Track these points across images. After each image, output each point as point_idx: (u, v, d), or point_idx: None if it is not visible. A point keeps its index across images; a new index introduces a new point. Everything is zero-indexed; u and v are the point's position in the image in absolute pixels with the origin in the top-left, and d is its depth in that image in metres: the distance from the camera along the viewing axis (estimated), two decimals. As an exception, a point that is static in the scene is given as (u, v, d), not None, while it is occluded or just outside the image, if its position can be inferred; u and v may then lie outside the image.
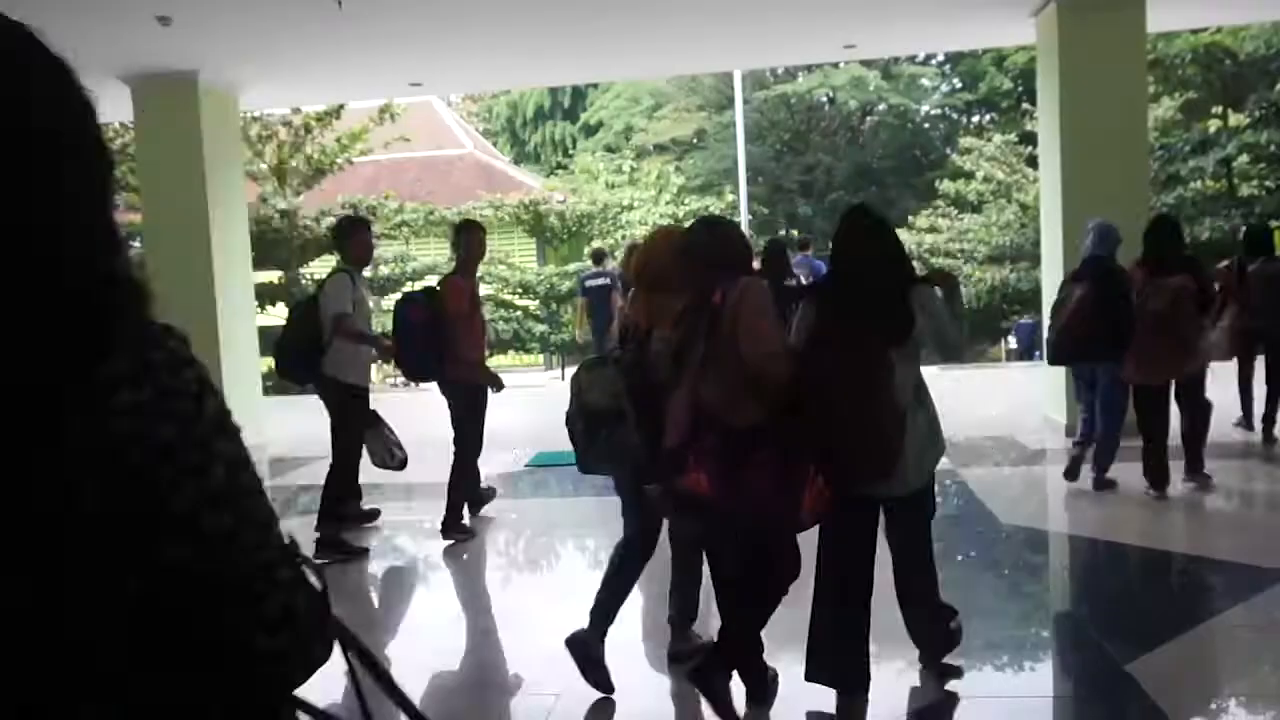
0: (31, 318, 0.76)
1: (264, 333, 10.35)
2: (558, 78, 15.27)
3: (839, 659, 3.07)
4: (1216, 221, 14.70)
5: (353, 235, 5.53)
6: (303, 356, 5.26)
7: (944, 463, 3.60)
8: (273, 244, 14.48)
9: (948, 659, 3.38)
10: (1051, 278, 7.58)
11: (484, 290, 10.00)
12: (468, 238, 5.56)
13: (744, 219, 18.48)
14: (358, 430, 5.41)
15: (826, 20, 8.01)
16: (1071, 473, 5.76)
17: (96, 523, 0.75)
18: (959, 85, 25.45)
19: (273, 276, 14.87)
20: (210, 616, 0.81)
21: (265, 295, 14.20)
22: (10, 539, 0.73)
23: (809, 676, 3.09)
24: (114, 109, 9.33)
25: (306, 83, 9.42)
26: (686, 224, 4.69)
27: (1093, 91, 7.19)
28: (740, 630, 3.14)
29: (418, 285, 18.11)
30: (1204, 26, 13.95)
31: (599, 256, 11.25)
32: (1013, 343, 16.25)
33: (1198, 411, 5.68)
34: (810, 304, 3.18)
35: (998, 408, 8.68)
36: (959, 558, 4.76)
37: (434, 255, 18.38)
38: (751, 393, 2.86)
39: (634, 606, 4.50)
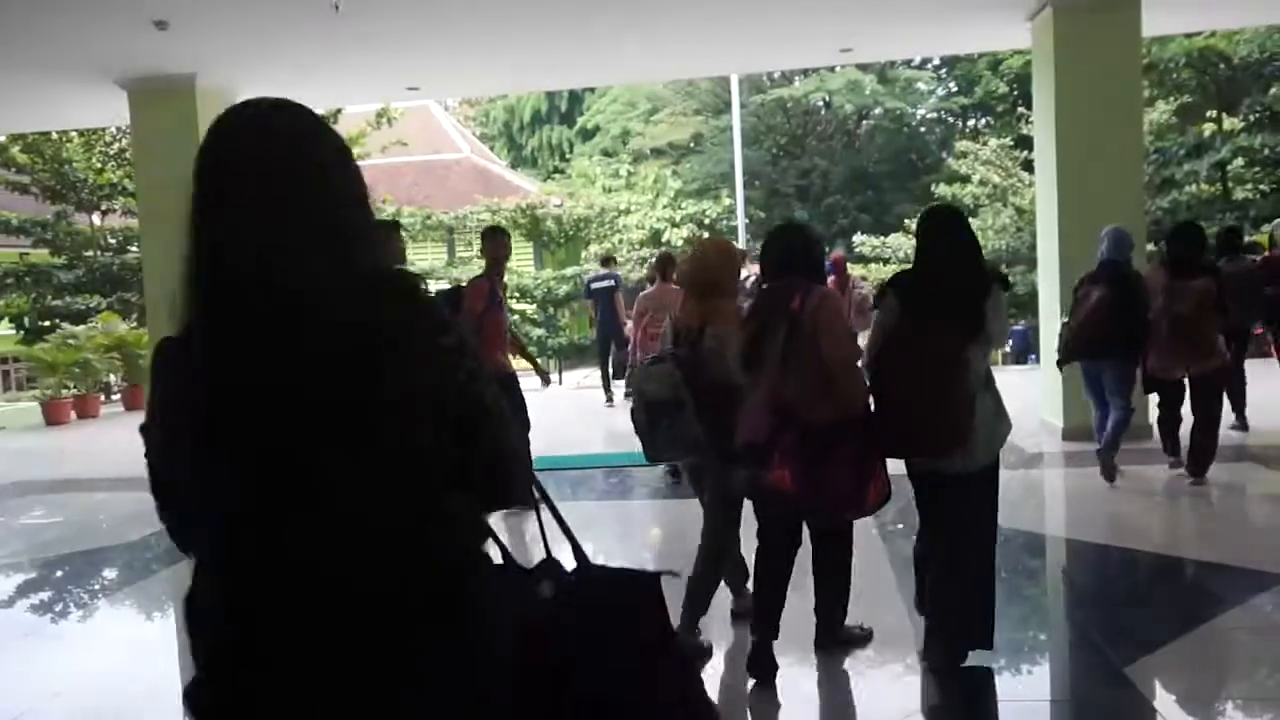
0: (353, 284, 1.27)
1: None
2: (555, 82, 15.29)
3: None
4: (1211, 226, 14.75)
5: (387, 239, 5.83)
6: None
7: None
8: (269, 248, 14.46)
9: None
10: (1048, 281, 7.59)
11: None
12: (490, 242, 5.90)
13: (740, 223, 18.50)
14: None
15: (822, 24, 8.03)
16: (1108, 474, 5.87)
17: (444, 404, 1.29)
18: (955, 89, 25.52)
19: (269, 280, 14.84)
20: (486, 451, 1.35)
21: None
22: (413, 407, 1.26)
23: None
24: (111, 113, 9.34)
25: (303, 86, 9.41)
26: (697, 235, 5.00)
27: (1088, 95, 7.21)
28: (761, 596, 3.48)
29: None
30: (1199, 30, 14.00)
31: (606, 260, 11.77)
32: (1008, 346, 16.28)
33: (1210, 413, 5.78)
34: (894, 299, 3.36)
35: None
36: (957, 561, 4.77)
37: (431, 260, 18.37)
38: (829, 392, 3.14)
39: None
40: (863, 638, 3.70)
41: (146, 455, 1.32)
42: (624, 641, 1.43)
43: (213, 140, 1.29)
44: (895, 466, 3.30)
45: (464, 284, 5.84)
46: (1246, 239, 8.72)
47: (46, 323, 14.51)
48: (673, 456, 3.76)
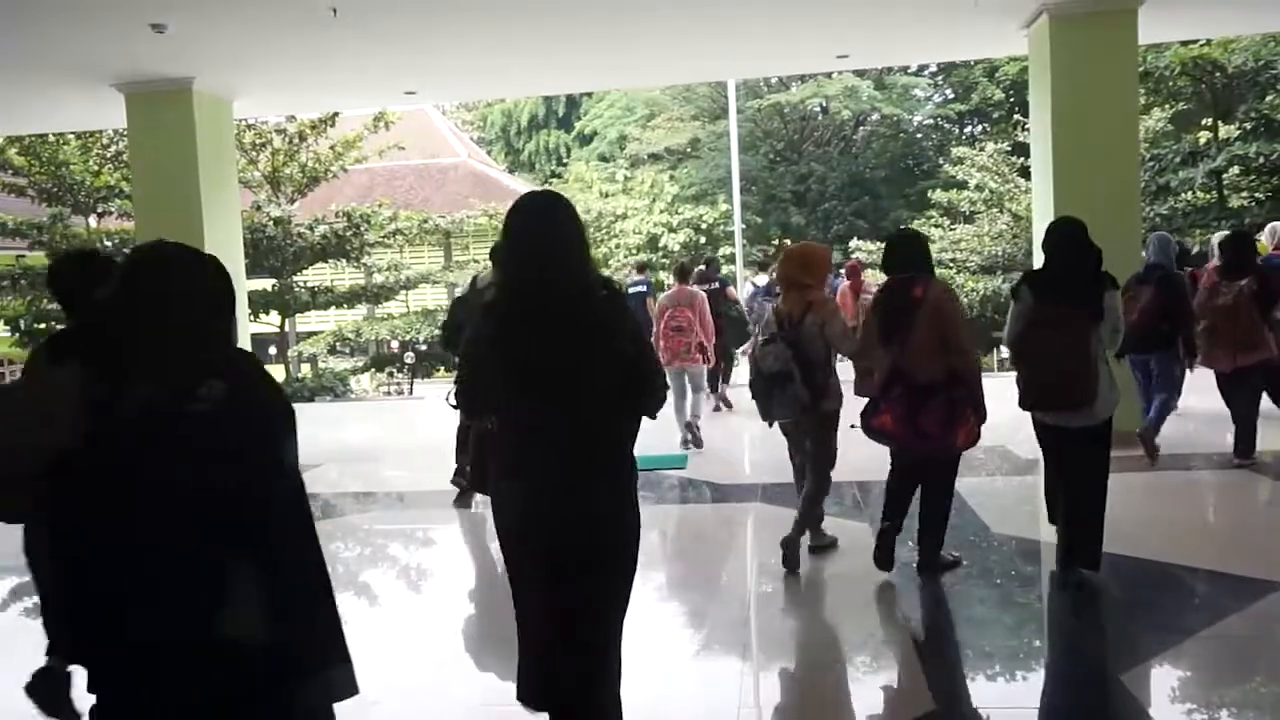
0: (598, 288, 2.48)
1: (257, 340, 10.31)
2: (552, 86, 15.28)
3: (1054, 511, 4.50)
4: (1207, 233, 14.80)
5: None
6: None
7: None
8: (266, 251, 14.44)
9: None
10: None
11: (478, 298, 10.28)
12: None
13: (737, 228, 18.52)
14: None
15: (820, 30, 8.04)
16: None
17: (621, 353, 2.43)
18: (951, 95, 25.58)
19: (266, 284, 14.83)
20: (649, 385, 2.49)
21: (259, 303, 14.17)
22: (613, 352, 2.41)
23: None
24: (109, 116, 9.33)
25: (301, 90, 9.42)
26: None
27: (1084, 102, 7.23)
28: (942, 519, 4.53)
29: (411, 293, 18.04)
30: (1194, 38, 14.06)
31: (641, 267, 12.77)
32: (1004, 352, 16.30)
33: (1255, 395, 6.43)
34: (1028, 292, 4.20)
35: (990, 417, 8.67)
36: (952, 567, 4.77)
37: (427, 264, 18.36)
38: (936, 357, 4.14)
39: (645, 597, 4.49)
40: (954, 563, 4.58)
41: (458, 369, 2.57)
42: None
43: (520, 209, 2.46)
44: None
45: None
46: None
47: (42, 325, 14.47)
48: (784, 416, 4.62)
